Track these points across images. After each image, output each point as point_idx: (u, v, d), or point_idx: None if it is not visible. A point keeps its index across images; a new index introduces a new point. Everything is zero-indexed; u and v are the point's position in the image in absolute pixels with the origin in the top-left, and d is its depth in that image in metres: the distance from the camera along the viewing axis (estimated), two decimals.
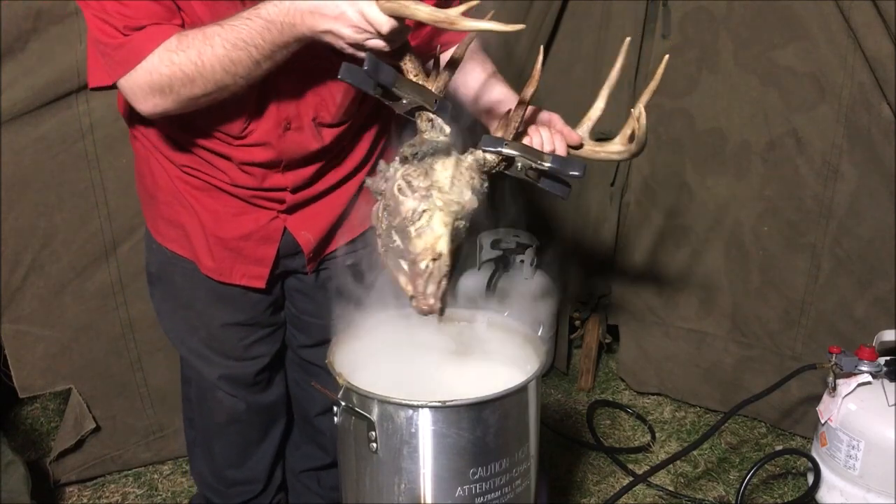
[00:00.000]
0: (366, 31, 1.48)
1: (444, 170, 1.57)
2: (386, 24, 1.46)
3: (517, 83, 2.88)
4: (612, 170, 3.00)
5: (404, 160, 1.59)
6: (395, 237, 1.56)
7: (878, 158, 2.56)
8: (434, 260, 1.53)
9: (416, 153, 1.58)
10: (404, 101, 1.59)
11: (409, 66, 1.60)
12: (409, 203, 1.55)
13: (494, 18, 1.47)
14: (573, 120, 1.72)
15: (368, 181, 1.64)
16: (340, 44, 1.52)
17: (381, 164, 1.62)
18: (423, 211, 1.54)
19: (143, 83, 1.59)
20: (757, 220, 2.82)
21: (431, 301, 1.55)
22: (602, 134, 2.92)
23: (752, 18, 2.66)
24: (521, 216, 3.18)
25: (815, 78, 2.60)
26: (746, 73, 2.72)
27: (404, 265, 1.56)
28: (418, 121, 1.62)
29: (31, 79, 2.24)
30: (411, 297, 1.56)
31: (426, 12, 1.42)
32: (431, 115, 1.61)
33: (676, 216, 2.99)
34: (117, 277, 2.52)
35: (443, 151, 1.59)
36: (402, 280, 1.57)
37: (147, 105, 1.62)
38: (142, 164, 1.95)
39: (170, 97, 1.59)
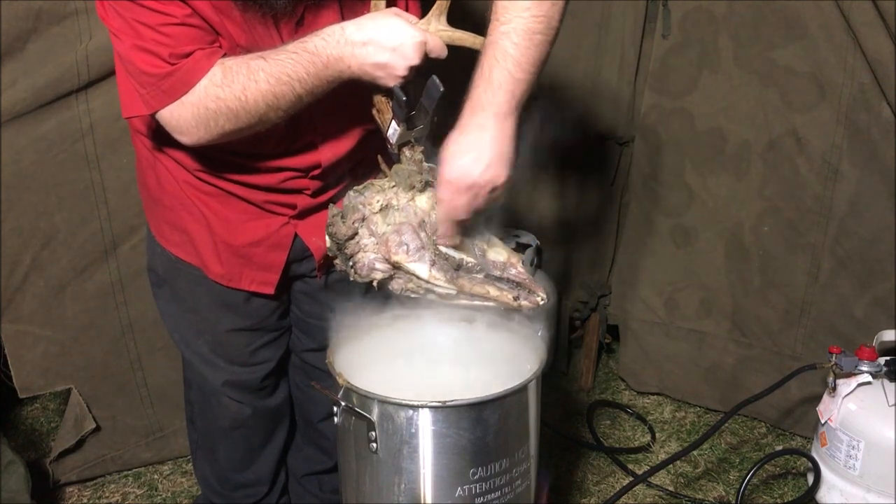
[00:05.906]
0: (419, 61, 1.53)
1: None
2: (445, 53, 1.54)
3: None
4: (612, 170, 2.99)
5: (426, 186, 1.65)
6: (463, 255, 1.63)
7: (878, 158, 2.56)
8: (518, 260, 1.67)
9: (434, 178, 1.65)
10: (419, 127, 1.64)
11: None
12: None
13: None
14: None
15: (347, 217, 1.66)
16: (389, 77, 1.54)
17: (356, 199, 1.65)
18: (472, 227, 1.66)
19: (188, 116, 1.56)
20: (757, 220, 2.82)
21: (542, 291, 1.67)
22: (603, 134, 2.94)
23: (752, 18, 2.66)
24: (521, 216, 3.18)
25: (815, 78, 2.60)
26: (746, 73, 2.72)
27: (490, 279, 1.65)
28: (408, 151, 1.67)
29: (31, 79, 2.24)
30: (515, 298, 1.65)
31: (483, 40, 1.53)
32: (421, 148, 1.67)
33: (676, 216, 2.99)
34: (117, 277, 2.52)
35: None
36: (494, 292, 1.65)
37: (191, 137, 1.60)
38: (146, 168, 1.92)
39: (214, 130, 1.58)
